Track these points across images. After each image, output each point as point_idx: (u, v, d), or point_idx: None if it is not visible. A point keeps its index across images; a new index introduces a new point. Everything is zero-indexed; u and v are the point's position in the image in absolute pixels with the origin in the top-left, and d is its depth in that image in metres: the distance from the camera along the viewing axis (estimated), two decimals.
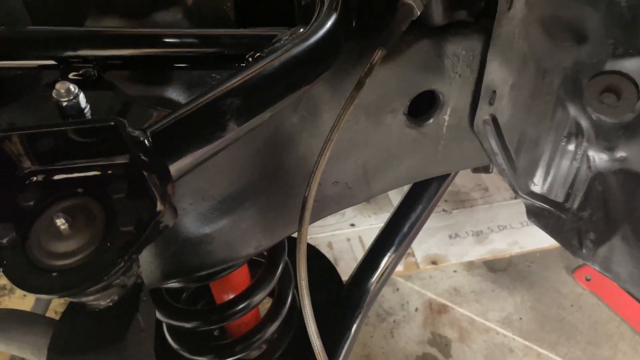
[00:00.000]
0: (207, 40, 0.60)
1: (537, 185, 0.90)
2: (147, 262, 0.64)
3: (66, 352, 0.47)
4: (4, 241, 0.46)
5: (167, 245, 0.65)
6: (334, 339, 1.03)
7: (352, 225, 2.26)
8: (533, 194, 0.92)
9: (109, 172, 0.49)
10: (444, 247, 2.11)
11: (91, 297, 0.48)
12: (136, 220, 0.46)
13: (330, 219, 2.28)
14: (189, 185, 0.62)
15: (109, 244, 0.45)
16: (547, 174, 0.88)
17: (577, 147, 0.81)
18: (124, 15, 0.64)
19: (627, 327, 1.80)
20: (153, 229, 0.45)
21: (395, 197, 2.32)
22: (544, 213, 0.93)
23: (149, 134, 0.46)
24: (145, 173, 0.44)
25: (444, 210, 2.30)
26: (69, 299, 0.50)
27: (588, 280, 1.93)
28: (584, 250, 0.88)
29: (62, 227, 0.45)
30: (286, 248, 0.99)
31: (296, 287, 1.08)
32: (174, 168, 0.48)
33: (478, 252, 2.08)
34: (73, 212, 0.46)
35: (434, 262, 2.05)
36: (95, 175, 0.49)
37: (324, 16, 0.59)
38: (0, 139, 0.47)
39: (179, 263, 0.67)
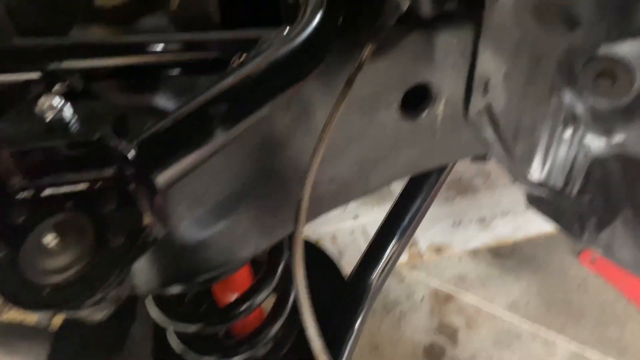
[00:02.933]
0: (193, 45, 0.59)
1: (536, 171, 0.90)
2: (145, 269, 0.64)
3: None
4: None
5: (164, 252, 0.65)
6: (337, 335, 1.03)
7: (356, 217, 2.26)
8: (532, 181, 0.91)
9: (98, 185, 0.49)
10: (448, 235, 2.11)
11: (86, 312, 0.48)
12: (127, 232, 0.45)
13: (334, 212, 2.27)
14: (183, 191, 0.62)
15: (100, 258, 0.45)
16: (545, 160, 0.88)
17: (574, 132, 0.81)
18: (109, 23, 0.63)
19: (634, 308, 1.80)
20: (143, 241, 0.44)
21: (398, 186, 2.32)
22: (543, 200, 0.93)
23: (135, 144, 0.45)
24: (131, 186, 0.44)
25: (446, 197, 2.30)
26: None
27: (594, 262, 1.92)
28: (586, 235, 0.87)
29: (53, 243, 0.45)
30: (286, 247, 0.98)
31: None
32: (164, 177, 0.47)
33: (482, 238, 2.08)
34: (63, 227, 0.46)
35: (438, 251, 2.05)
36: (84, 189, 0.49)
37: (309, 15, 0.58)
38: None
39: (178, 269, 0.67)
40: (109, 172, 0.48)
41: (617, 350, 1.69)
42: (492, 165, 2.41)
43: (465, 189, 2.33)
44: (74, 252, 0.45)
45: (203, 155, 0.49)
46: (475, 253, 2.03)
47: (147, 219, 0.44)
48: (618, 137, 0.77)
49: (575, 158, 0.84)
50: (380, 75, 0.73)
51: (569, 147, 0.83)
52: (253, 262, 1.03)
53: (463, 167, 2.43)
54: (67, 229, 0.46)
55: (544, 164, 0.88)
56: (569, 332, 1.75)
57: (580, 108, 0.78)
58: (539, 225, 2.07)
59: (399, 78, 0.75)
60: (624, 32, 0.66)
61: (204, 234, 0.66)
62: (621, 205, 0.82)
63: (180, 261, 0.67)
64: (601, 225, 0.87)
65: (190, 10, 0.63)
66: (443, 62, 0.76)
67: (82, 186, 0.49)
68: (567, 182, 0.87)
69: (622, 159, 0.78)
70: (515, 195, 2.25)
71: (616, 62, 0.69)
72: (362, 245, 2.20)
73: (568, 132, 0.82)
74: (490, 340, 1.74)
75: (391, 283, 1.95)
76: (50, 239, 0.45)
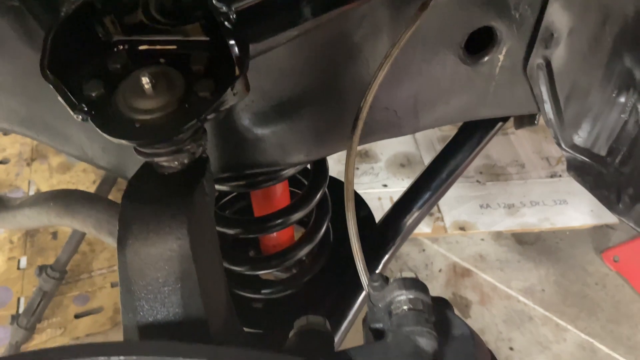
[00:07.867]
0: None
1: (582, 137, 0.91)
2: (208, 151, 0.69)
3: (139, 200, 0.52)
4: (93, 95, 0.51)
5: (228, 137, 0.69)
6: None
7: (385, 185, 2.29)
8: (576, 147, 0.93)
9: (189, 48, 0.54)
10: (474, 216, 2.12)
11: (163, 158, 0.53)
12: (213, 87, 0.50)
13: (364, 178, 2.31)
14: (253, 83, 0.66)
15: (186, 105, 0.50)
16: (593, 126, 0.89)
17: (627, 99, 0.82)
18: None
19: None
20: (228, 95, 0.49)
21: None
22: (584, 167, 0.94)
23: (233, 8, 0.50)
24: (228, 41, 0.48)
25: (477, 181, 2.31)
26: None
27: (616, 261, 1.92)
28: (620, 206, 0.89)
29: (146, 86, 0.50)
30: (328, 177, 1.02)
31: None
32: (256, 46, 0.52)
33: (508, 223, 2.09)
34: (156, 76, 0.51)
35: (462, 228, 2.07)
36: (176, 50, 0.54)
37: None
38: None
39: (236, 157, 0.72)
40: (202, 36, 0.52)
41: (626, 347, 1.70)
42: (527, 157, 2.40)
43: (497, 176, 2.34)
44: (164, 97, 0.50)
45: (292, 34, 0.53)
46: (498, 236, 2.05)
47: (238, 71, 0.48)
48: None
49: (623, 126, 0.85)
50: (451, 10, 0.76)
51: (620, 114, 0.85)
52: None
53: (498, 155, 2.43)
54: (160, 77, 0.51)
55: (591, 129, 0.90)
56: (581, 324, 1.76)
57: (637, 74, 0.79)
58: (567, 219, 2.08)
59: (467, 17, 0.78)
60: None
61: (265, 129, 0.71)
62: None
63: (240, 149, 0.71)
64: (638, 197, 0.88)
65: None
66: (512, 9, 0.78)
67: (175, 47, 0.54)
68: (611, 150, 0.89)
69: None
70: (547, 189, 2.25)
71: None
72: None
73: (621, 99, 0.83)
74: (501, 318, 1.77)
75: (411, 252, 1.99)
76: (144, 82, 0.50)
